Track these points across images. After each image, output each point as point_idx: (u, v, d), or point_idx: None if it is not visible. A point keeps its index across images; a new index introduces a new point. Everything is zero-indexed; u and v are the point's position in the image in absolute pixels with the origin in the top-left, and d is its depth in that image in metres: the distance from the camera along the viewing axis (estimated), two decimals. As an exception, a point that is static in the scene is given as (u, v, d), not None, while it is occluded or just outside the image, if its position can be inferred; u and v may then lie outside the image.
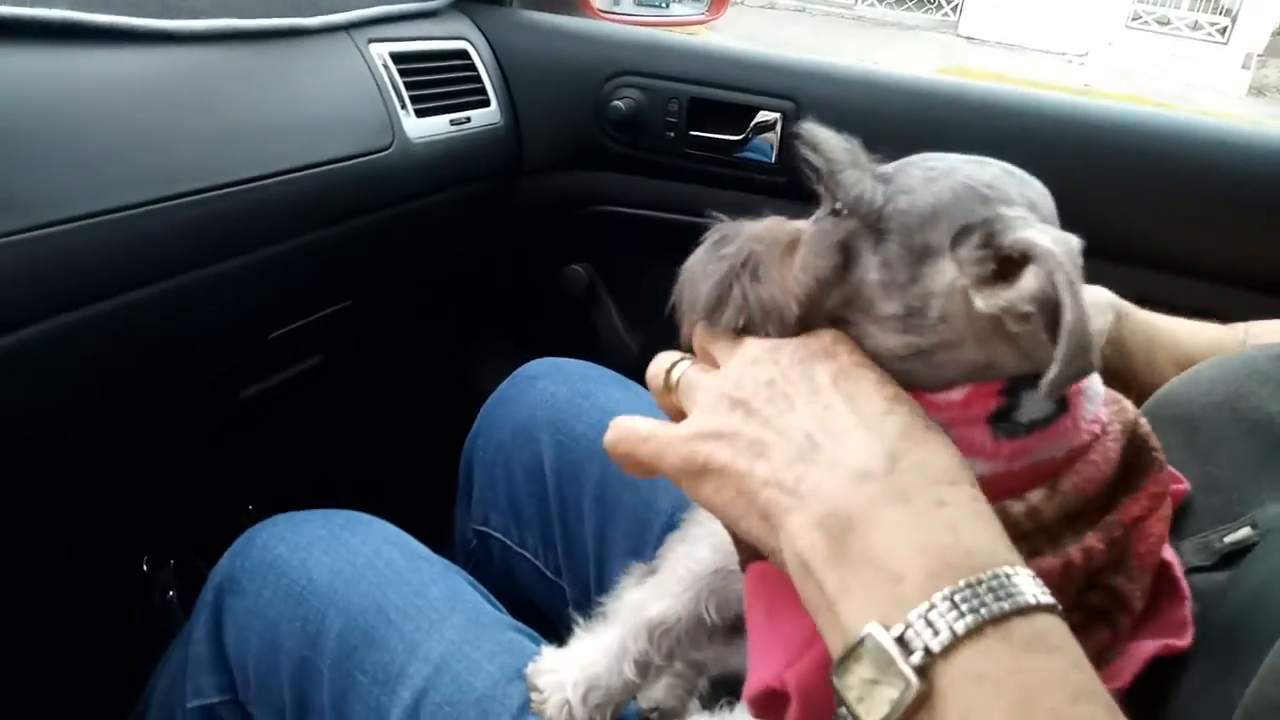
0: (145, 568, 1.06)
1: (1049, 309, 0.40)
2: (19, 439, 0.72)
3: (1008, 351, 0.42)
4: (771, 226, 0.49)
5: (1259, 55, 11.98)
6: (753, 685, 0.44)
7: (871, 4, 13.22)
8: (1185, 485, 0.52)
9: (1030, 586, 0.36)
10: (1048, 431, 0.43)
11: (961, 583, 0.36)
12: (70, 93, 0.73)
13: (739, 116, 1.25)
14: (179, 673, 0.78)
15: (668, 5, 1.64)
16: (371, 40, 1.06)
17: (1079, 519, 0.43)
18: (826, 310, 0.46)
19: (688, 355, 0.52)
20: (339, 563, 0.72)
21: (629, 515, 0.83)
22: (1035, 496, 0.42)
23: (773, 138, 1.24)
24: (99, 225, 0.70)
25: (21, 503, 0.77)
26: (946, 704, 0.35)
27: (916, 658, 0.35)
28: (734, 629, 0.67)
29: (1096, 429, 0.45)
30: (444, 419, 1.09)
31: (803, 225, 0.49)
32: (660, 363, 0.51)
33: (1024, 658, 0.35)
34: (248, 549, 0.75)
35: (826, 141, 0.46)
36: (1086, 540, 0.42)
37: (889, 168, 0.46)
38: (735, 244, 0.49)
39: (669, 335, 1.45)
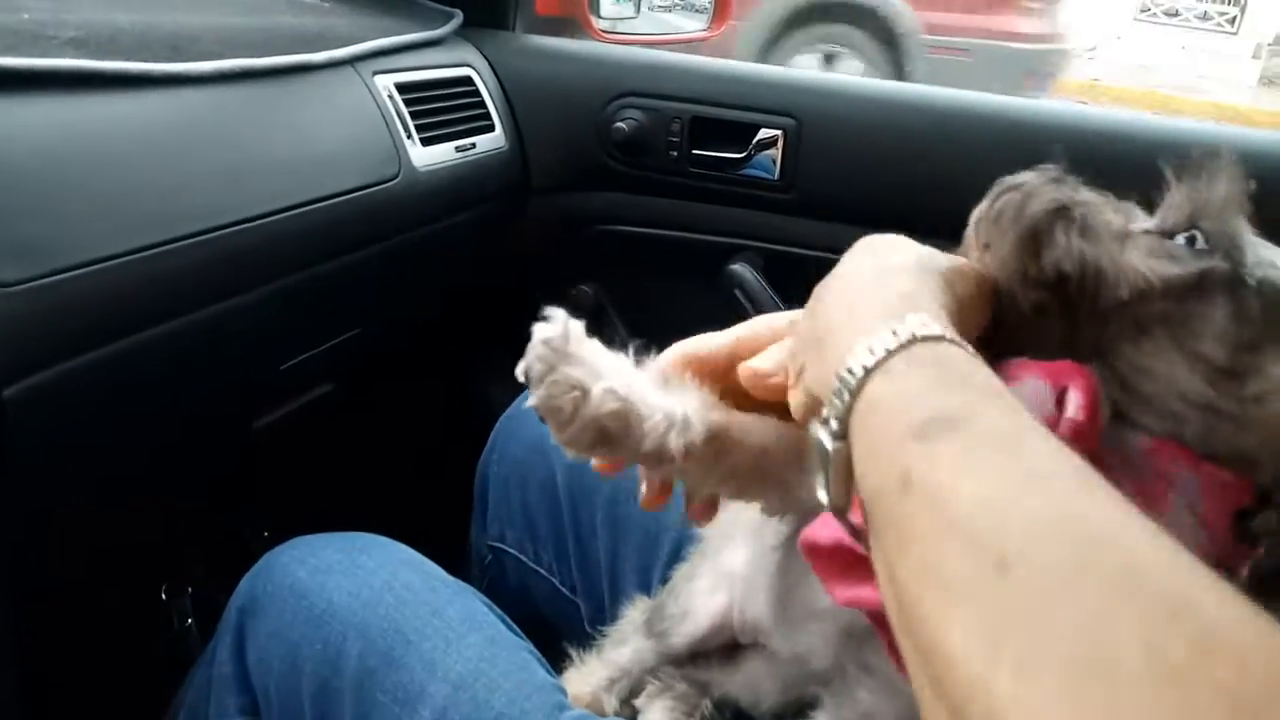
0: (164, 596, 1.08)
1: None
2: (40, 474, 0.73)
3: (1267, 449, 0.42)
4: (1103, 203, 0.48)
5: (1269, 45, 11.89)
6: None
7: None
8: None
9: (931, 326, 0.39)
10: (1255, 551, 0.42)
11: (880, 330, 0.39)
12: (83, 139, 0.75)
13: (741, 134, 1.26)
14: (203, 693, 0.79)
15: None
16: (377, 72, 1.08)
17: None
18: (1149, 313, 0.44)
19: None
20: (357, 585, 0.73)
21: (639, 532, 0.84)
22: None
23: (775, 154, 1.25)
24: (114, 268, 0.72)
25: (43, 534, 0.78)
26: (858, 440, 0.39)
27: (833, 413, 0.39)
28: (737, 650, 0.68)
29: None
30: (457, 439, 1.10)
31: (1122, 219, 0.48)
32: None
33: (910, 378, 0.38)
34: (268, 572, 0.77)
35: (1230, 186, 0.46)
36: None
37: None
38: (1072, 191, 0.47)
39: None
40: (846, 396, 0.39)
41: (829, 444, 0.39)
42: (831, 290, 0.47)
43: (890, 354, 0.38)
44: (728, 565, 0.66)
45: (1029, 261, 0.46)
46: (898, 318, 0.40)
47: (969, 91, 1.24)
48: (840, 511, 0.40)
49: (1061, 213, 0.46)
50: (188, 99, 0.84)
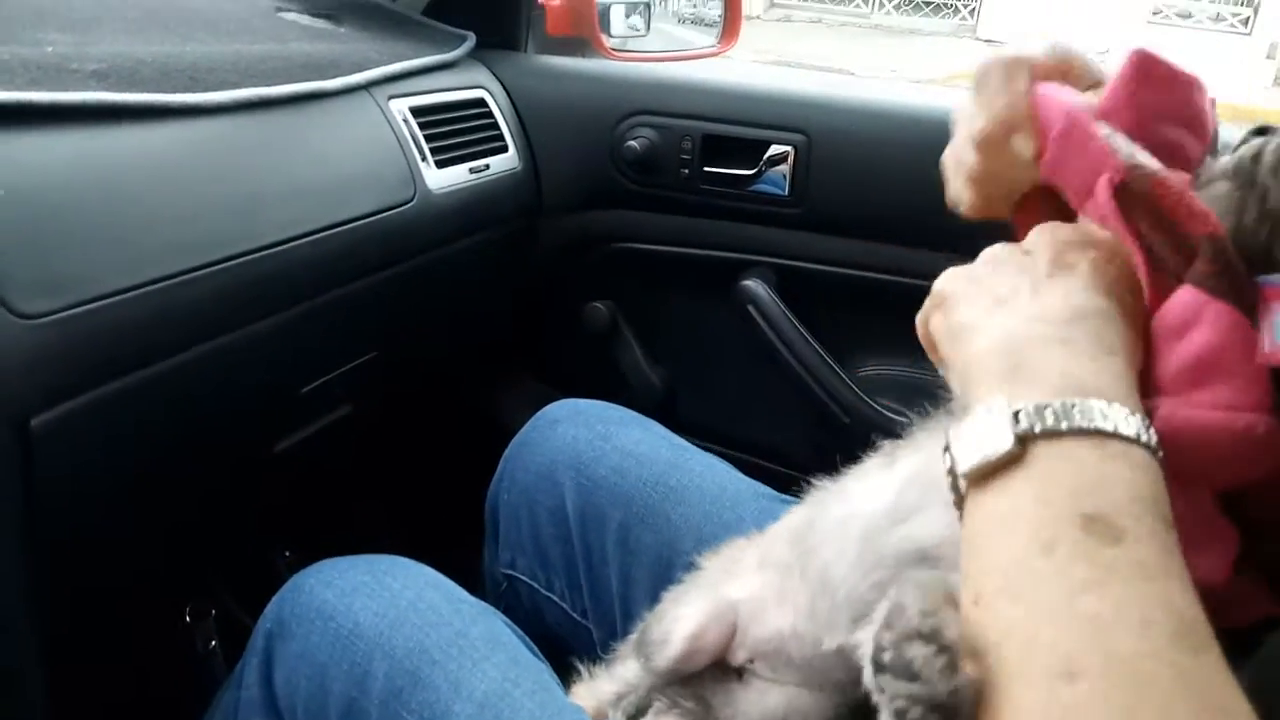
0: (188, 619, 1.09)
1: None
2: (65, 502, 0.75)
3: None
4: None
5: (1284, 45, 11.82)
6: None
7: (888, 12, 13.21)
8: None
9: (1137, 427, 0.40)
10: None
11: (1083, 401, 0.40)
12: (105, 171, 0.76)
13: (752, 151, 1.27)
14: (230, 716, 0.80)
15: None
16: (391, 96, 1.10)
17: None
18: None
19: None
20: (383, 606, 0.74)
21: (651, 557, 0.85)
22: None
23: (785, 170, 1.26)
24: (136, 298, 0.73)
25: (68, 560, 0.80)
26: (1031, 471, 0.40)
27: (1021, 429, 0.40)
28: (729, 675, 0.69)
29: None
30: (473, 461, 1.11)
31: None
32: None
33: (1108, 464, 0.39)
34: (296, 594, 0.78)
35: None
36: None
37: None
38: None
39: (691, 368, 1.46)
40: (1050, 421, 0.40)
41: (1009, 439, 0.40)
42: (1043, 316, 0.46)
43: (1107, 433, 0.40)
44: (729, 595, 0.66)
45: None
46: (1119, 402, 0.41)
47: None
48: (959, 490, 0.42)
49: None
50: (206, 129, 0.86)
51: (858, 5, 13.25)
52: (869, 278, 1.25)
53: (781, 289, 1.29)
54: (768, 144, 1.26)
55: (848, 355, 1.28)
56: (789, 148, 1.25)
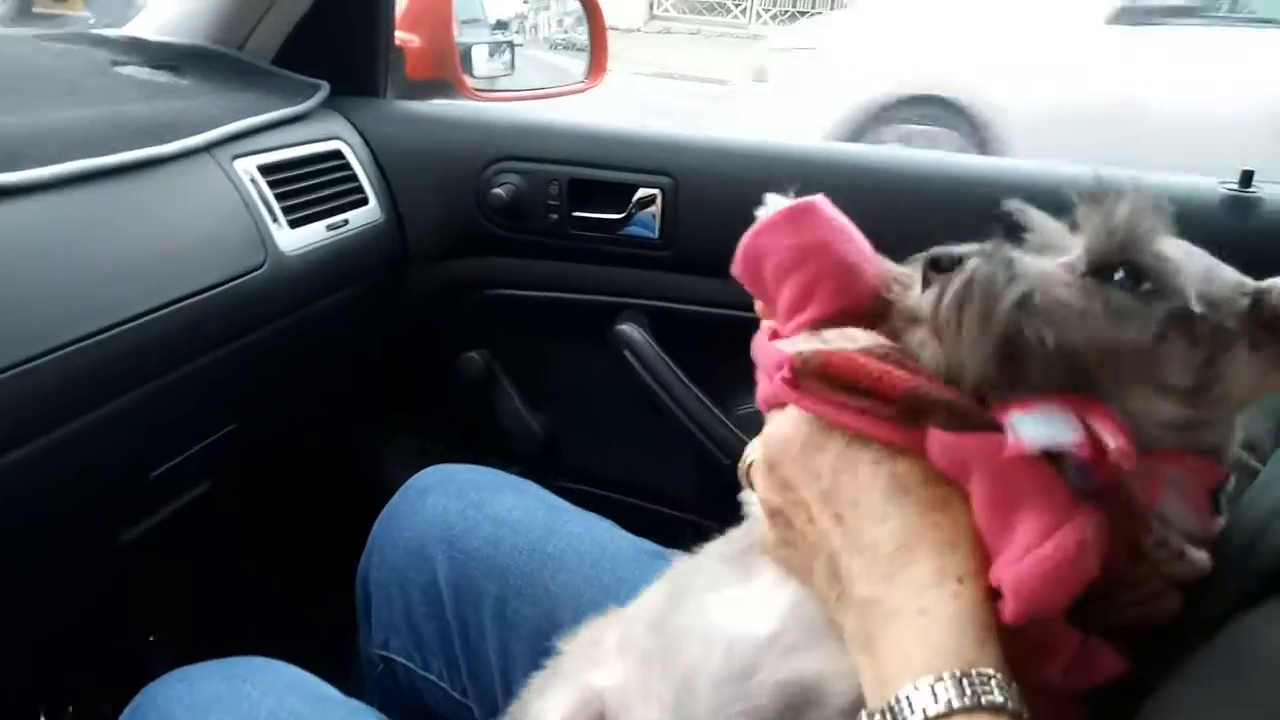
0: (43, 718, 1.02)
1: None
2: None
3: (1227, 434, 0.49)
4: (1050, 270, 0.48)
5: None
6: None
7: (765, 23, 13.45)
8: None
9: (979, 688, 0.41)
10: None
11: (920, 683, 0.42)
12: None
13: (620, 194, 1.26)
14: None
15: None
16: (236, 156, 1.04)
17: None
18: (1115, 374, 0.46)
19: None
20: None
21: (530, 629, 0.83)
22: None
23: (655, 212, 1.26)
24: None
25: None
26: None
27: None
28: None
29: None
30: (350, 528, 1.07)
31: (1064, 277, 0.48)
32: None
33: None
34: (145, 713, 0.73)
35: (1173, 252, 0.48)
36: None
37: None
38: (1017, 269, 0.47)
39: (570, 414, 1.43)
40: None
41: None
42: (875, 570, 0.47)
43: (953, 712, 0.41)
44: (593, 683, 0.65)
45: (1006, 369, 0.45)
46: (959, 671, 0.42)
47: (837, 144, 1.26)
48: None
49: (1025, 305, 0.46)
50: (27, 209, 0.80)
51: (735, 17, 13.49)
52: (741, 316, 1.24)
53: (656, 331, 1.28)
54: (635, 187, 1.25)
55: (726, 394, 1.28)
56: (656, 190, 1.24)
